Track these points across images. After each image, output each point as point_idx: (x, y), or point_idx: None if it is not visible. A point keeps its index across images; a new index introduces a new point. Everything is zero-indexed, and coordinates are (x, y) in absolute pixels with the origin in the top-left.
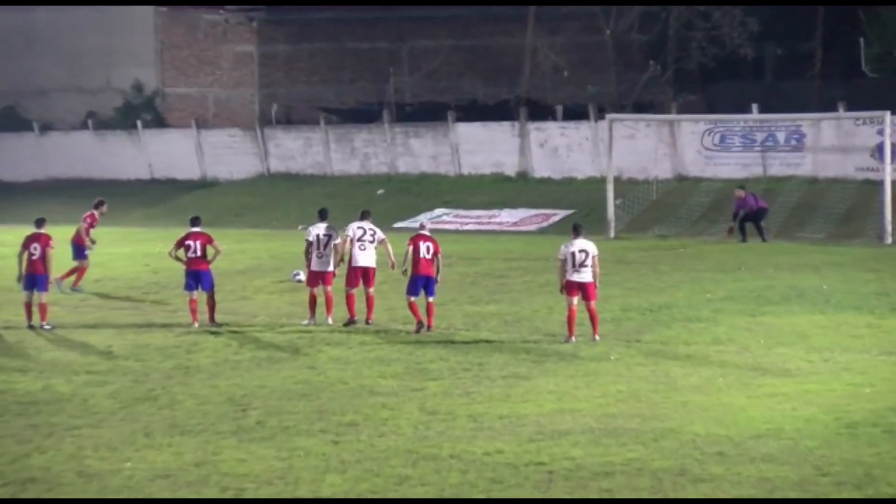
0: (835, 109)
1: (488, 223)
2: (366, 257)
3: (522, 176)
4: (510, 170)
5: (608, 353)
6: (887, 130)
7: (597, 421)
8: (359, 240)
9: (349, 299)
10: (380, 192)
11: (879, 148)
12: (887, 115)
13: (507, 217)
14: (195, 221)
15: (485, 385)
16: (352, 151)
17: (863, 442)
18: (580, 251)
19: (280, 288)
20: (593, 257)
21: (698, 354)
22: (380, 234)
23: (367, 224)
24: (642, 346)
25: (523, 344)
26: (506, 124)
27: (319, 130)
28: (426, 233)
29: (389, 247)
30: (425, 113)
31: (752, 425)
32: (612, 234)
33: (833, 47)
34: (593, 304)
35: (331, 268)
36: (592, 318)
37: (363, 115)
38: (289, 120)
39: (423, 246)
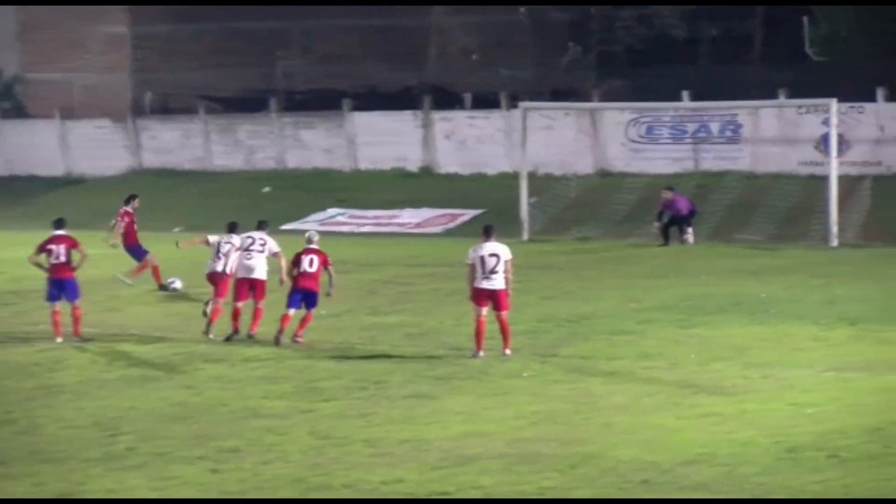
0: (776, 97)
1: (388, 224)
2: (250, 268)
3: (427, 171)
4: (413, 164)
5: (522, 369)
6: (833, 120)
7: (509, 445)
8: (245, 249)
9: (234, 312)
10: (266, 189)
11: (825, 139)
12: (834, 102)
13: (409, 217)
14: (59, 224)
15: (384, 406)
16: (235, 144)
17: (806, 468)
18: (491, 255)
19: (154, 298)
20: (506, 262)
21: (623, 371)
22: (273, 247)
23: (257, 234)
24: (560, 362)
25: (427, 360)
26: (408, 114)
27: (199, 121)
28: (314, 247)
29: (283, 261)
30: (318, 101)
31: (682, 450)
32: (525, 237)
33: (775, 28)
34: (505, 314)
35: (219, 269)
36: (504, 331)
37: (248, 104)
38: (165, 109)
39: (305, 259)
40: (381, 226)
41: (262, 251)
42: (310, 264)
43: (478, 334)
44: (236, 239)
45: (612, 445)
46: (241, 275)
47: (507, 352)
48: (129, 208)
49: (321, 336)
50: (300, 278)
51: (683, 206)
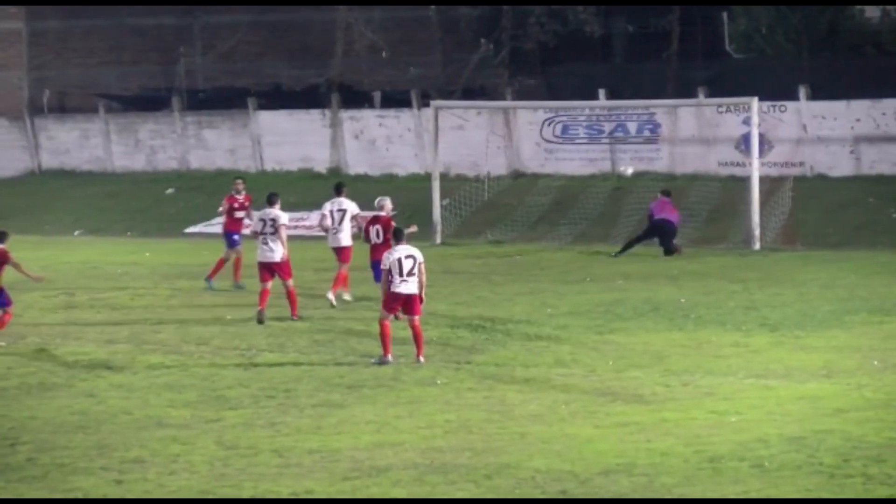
0: (694, 95)
1: (295, 228)
2: (271, 250)
3: (335, 172)
4: (320, 165)
5: (434, 377)
6: (754, 119)
7: (421, 455)
8: (261, 232)
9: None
10: (169, 191)
11: (745, 139)
12: (754, 101)
13: (316, 220)
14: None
15: (292, 415)
16: (136, 144)
17: (727, 479)
18: (407, 257)
19: (53, 304)
20: (420, 265)
21: (539, 378)
22: (281, 219)
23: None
24: (474, 369)
25: (336, 367)
26: (315, 113)
27: (98, 120)
28: (383, 214)
29: (284, 234)
30: (221, 100)
31: (600, 460)
32: (438, 240)
33: (692, 24)
34: (417, 319)
35: (346, 243)
36: (417, 337)
37: (149, 103)
38: (63, 108)
39: (371, 230)
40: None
41: (274, 232)
42: (377, 235)
43: (384, 339)
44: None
45: (528, 455)
46: (262, 259)
47: (421, 359)
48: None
49: (226, 342)
50: (374, 249)
51: (674, 216)
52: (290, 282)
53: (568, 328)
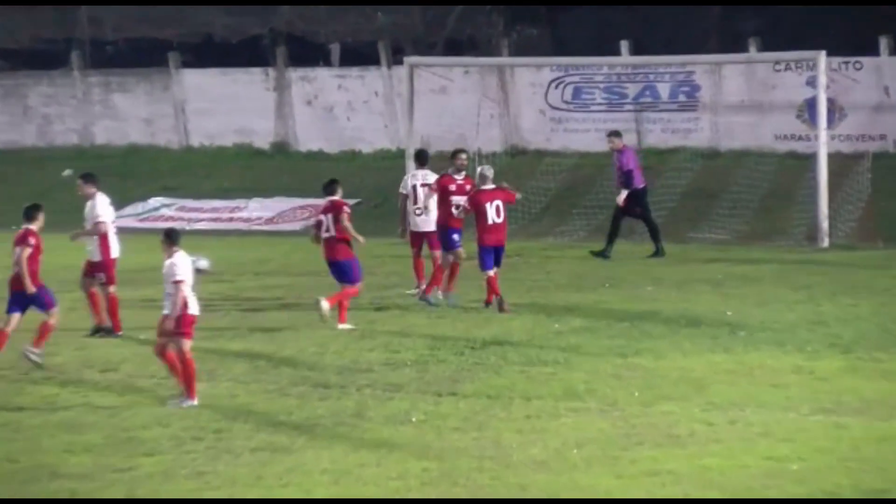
0: (744, 49)
1: (230, 220)
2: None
3: (281, 149)
4: (262, 140)
5: (409, 412)
6: (822, 80)
7: None
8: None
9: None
10: (67, 172)
11: (810, 105)
12: (822, 56)
13: (258, 210)
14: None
15: (224, 462)
16: (25, 112)
17: None
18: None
19: None
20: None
21: (543, 413)
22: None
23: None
24: (460, 403)
25: (282, 399)
26: (256, 72)
27: None
28: (491, 187)
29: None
30: (135, 54)
31: None
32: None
33: None
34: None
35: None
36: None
37: (42, 59)
38: None
39: (490, 208)
40: (220, 222)
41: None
42: (497, 213)
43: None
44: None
45: None
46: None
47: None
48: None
49: (140, 368)
50: (488, 233)
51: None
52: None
53: (581, 349)
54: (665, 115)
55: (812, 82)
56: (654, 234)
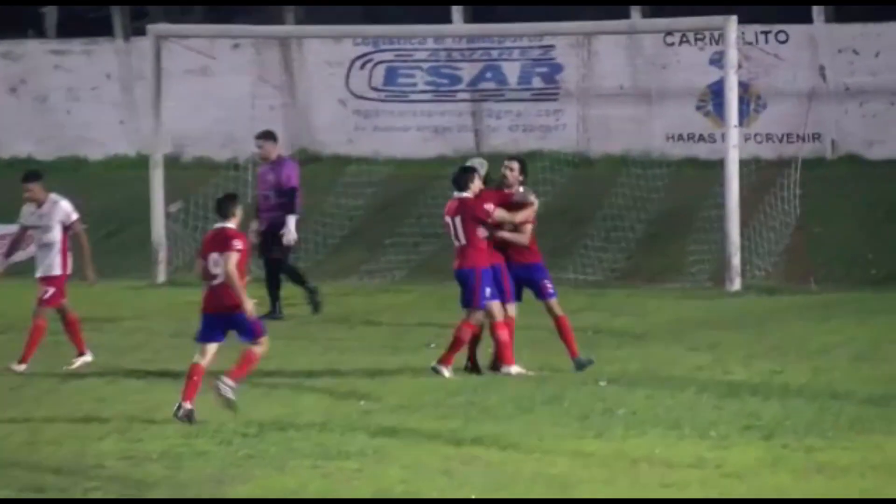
0: (625, 14)
1: None
2: None
3: None
4: None
5: None
6: (731, 56)
7: None
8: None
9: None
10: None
11: (716, 92)
12: (732, 23)
13: None
14: None
15: None
16: None
17: None
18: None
19: None
20: None
21: None
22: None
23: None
24: None
25: None
26: None
27: None
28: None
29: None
30: None
31: None
32: (160, 277)
33: None
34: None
35: None
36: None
37: None
38: None
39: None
40: None
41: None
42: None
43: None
44: None
45: None
46: None
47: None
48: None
49: None
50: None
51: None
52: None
53: (397, 435)
54: (514, 106)
55: (718, 60)
56: (302, 282)
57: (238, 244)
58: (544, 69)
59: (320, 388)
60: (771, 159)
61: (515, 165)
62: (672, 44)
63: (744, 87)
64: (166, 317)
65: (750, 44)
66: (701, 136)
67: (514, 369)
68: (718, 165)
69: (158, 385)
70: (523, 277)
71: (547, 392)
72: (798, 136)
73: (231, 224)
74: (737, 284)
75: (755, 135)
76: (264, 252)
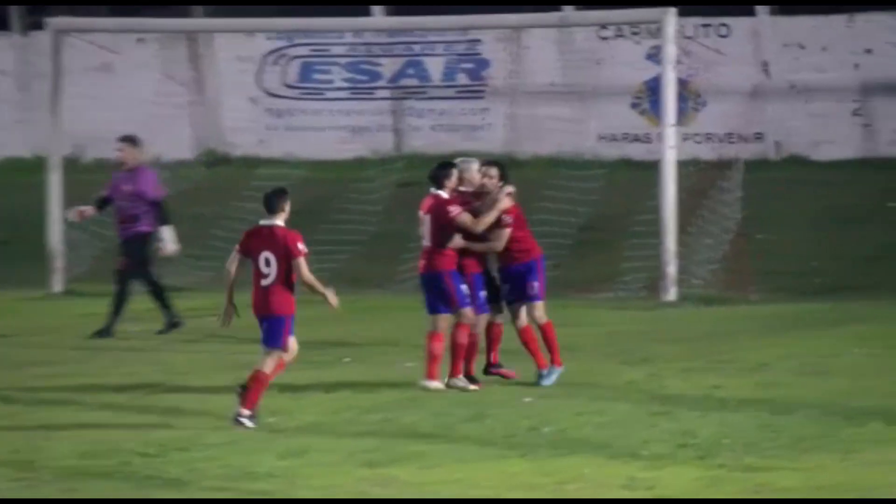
0: (556, 6)
1: None
2: None
3: None
4: None
5: None
6: (670, 51)
7: None
8: None
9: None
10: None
11: (653, 89)
12: (670, 15)
13: None
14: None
15: None
16: None
17: None
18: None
19: None
20: None
21: None
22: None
23: None
24: None
25: None
26: None
27: None
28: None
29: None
30: None
31: None
32: (56, 286)
33: None
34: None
35: None
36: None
37: None
38: None
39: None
40: None
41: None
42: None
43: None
44: None
45: None
46: None
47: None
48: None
49: None
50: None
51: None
52: None
53: (309, 455)
54: (438, 104)
55: (656, 55)
56: (162, 298)
57: (302, 248)
58: (470, 65)
59: (225, 405)
60: (711, 160)
61: (494, 171)
62: (606, 38)
63: (682, 83)
64: (64, 329)
65: (689, 38)
66: (636, 135)
67: (433, 384)
68: (655, 167)
69: (56, 402)
70: (518, 276)
71: (469, 409)
72: (740, 136)
73: (280, 221)
74: (673, 294)
75: (694, 135)
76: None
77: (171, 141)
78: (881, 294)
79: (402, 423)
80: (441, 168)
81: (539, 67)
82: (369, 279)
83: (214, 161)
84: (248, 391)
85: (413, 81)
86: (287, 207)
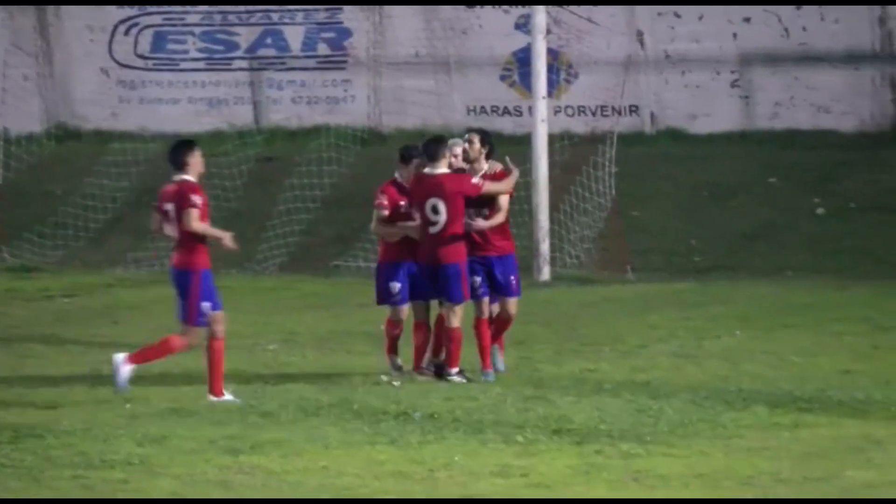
0: None
1: None
2: None
3: None
4: None
5: None
6: (540, 21)
7: None
8: None
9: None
10: None
11: (522, 60)
12: None
13: None
14: None
15: None
16: None
17: None
18: None
19: None
20: None
21: None
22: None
23: None
24: None
25: None
26: None
27: None
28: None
29: None
30: None
31: None
32: None
33: None
34: None
35: None
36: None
37: None
38: None
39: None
40: None
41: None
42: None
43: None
44: None
45: None
46: None
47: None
48: None
49: None
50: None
51: None
52: None
53: (167, 442)
54: (298, 75)
55: (525, 25)
56: None
57: (478, 183)
58: (331, 34)
59: (81, 390)
60: (584, 134)
61: (476, 138)
62: (473, 6)
63: (553, 54)
64: None
65: (560, 6)
66: (506, 108)
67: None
68: (526, 141)
69: None
70: (497, 269)
71: (334, 394)
72: (613, 108)
73: (443, 168)
74: (546, 274)
75: (566, 107)
76: None
77: (20, 115)
78: (760, 273)
79: (265, 410)
80: (435, 141)
81: (403, 37)
82: (228, 259)
83: (64, 135)
84: (448, 354)
85: (271, 52)
86: (448, 154)
